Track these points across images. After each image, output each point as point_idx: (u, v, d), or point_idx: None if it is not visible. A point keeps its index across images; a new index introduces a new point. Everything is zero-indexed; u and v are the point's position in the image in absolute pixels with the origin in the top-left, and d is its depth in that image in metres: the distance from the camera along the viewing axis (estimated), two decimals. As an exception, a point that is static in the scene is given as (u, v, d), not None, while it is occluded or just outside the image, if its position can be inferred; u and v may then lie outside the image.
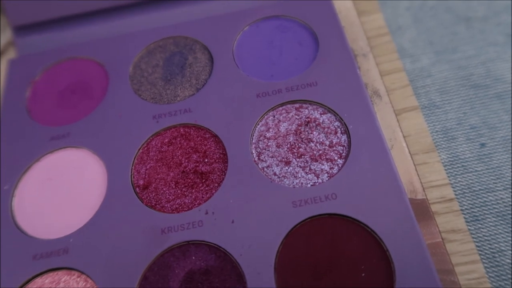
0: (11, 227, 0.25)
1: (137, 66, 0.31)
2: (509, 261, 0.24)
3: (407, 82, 0.31)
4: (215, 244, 0.23)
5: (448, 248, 0.24)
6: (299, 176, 0.25)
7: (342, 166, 0.25)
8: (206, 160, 0.26)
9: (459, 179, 0.27)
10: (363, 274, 0.21)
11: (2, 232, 0.25)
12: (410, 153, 0.27)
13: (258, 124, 0.27)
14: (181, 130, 0.27)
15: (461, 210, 0.26)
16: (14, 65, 0.32)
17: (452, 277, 0.23)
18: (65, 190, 0.26)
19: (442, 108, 0.30)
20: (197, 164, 0.26)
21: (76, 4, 0.32)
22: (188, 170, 0.26)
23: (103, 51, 0.32)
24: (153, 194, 0.25)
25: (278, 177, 0.25)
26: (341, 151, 0.25)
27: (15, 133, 0.29)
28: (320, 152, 0.25)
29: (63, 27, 0.33)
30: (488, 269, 0.24)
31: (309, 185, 0.24)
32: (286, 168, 0.25)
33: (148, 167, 0.26)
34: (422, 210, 0.24)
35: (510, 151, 0.27)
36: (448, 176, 0.27)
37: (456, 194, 0.26)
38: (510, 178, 0.26)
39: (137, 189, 0.26)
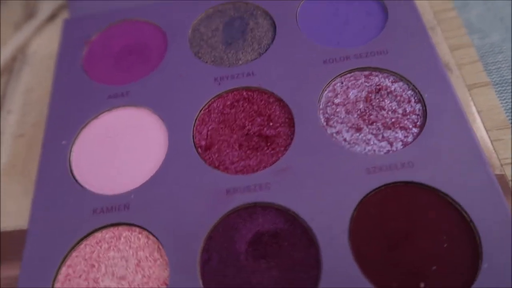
0: (70, 181, 0.24)
1: (196, 30, 0.30)
2: None
3: (477, 57, 0.29)
4: (284, 207, 0.22)
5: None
6: (371, 143, 0.23)
7: (417, 135, 0.23)
8: (271, 124, 0.25)
9: (535, 158, 0.26)
10: (445, 245, 0.20)
11: (61, 185, 0.24)
12: (485, 128, 0.26)
13: (326, 90, 0.26)
14: (244, 93, 0.26)
15: (539, 190, 0.24)
16: (69, 25, 0.32)
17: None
18: (124, 148, 0.25)
19: (514, 86, 0.28)
20: (262, 128, 0.25)
21: (135, -35, 0.32)
22: (252, 133, 0.25)
23: (159, 14, 0.31)
24: (216, 155, 0.24)
25: (349, 143, 0.24)
26: (415, 120, 0.24)
27: (71, 91, 0.28)
28: (393, 120, 0.24)
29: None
30: None
31: (382, 153, 0.23)
32: (357, 134, 0.24)
33: (210, 128, 0.25)
34: (501, 185, 0.23)
35: None
36: (523, 155, 0.26)
37: (533, 173, 0.25)
38: None
39: (199, 149, 0.25)
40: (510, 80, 0.28)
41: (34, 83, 0.32)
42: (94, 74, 0.29)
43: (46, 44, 0.34)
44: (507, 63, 0.29)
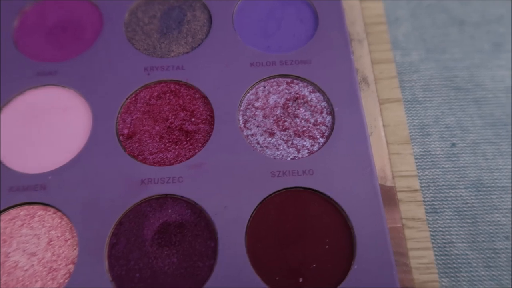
0: (-12, 157, 0.25)
1: (133, 14, 0.30)
2: (457, 252, 0.26)
3: (395, 74, 0.32)
4: (192, 201, 0.24)
5: (406, 233, 0.26)
6: (281, 148, 0.26)
7: (322, 145, 0.26)
8: (193, 119, 0.26)
9: (426, 172, 0.29)
10: (326, 247, 0.23)
11: (-21, 160, 0.25)
12: (386, 142, 0.29)
13: (248, 93, 0.27)
14: (172, 86, 0.27)
15: (423, 201, 0.28)
16: (3, -10, 0.31)
17: (405, 259, 0.25)
18: (47, 127, 0.26)
19: (423, 104, 0.31)
20: (184, 122, 0.26)
21: None
22: (173, 127, 0.26)
23: (100, -8, 0.31)
24: (137, 145, 0.26)
25: (261, 147, 0.26)
26: (323, 131, 0.26)
27: (-1, 62, 0.28)
28: (304, 128, 0.26)
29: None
30: (437, 257, 0.26)
31: (289, 158, 0.25)
32: (270, 139, 0.26)
33: (134, 117, 0.26)
34: (389, 196, 0.26)
35: (476, 154, 0.29)
36: (417, 169, 0.29)
37: (421, 186, 0.28)
38: (472, 178, 0.29)
39: (121, 137, 0.26)
40: (420, 99, 0.31)
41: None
42: (25, 48, 0.29)
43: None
44: (421, 82, 0.32)
